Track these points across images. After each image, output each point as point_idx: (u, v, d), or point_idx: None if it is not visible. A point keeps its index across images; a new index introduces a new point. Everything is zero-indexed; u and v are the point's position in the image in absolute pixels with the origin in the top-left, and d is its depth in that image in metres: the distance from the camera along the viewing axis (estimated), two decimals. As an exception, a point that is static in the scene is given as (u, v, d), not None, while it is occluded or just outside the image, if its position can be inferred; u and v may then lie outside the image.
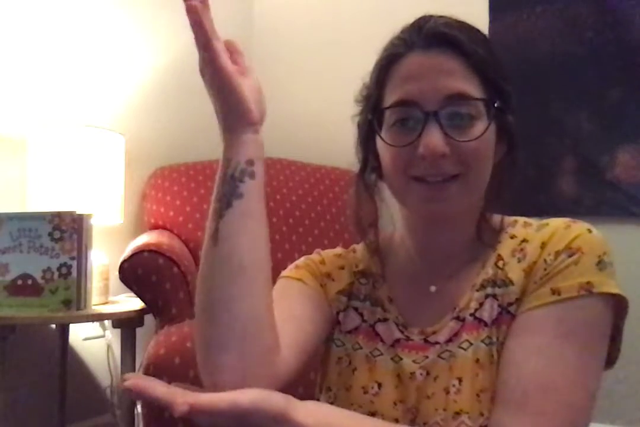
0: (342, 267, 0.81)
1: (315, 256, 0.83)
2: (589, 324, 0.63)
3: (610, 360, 0.67)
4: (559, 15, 1.88)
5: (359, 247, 0.84)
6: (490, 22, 1.96)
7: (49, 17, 1.82)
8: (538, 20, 1.91)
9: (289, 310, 0.73)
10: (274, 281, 0.71)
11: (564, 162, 1.84)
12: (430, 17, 0.71)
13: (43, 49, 1.80)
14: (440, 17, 0.71)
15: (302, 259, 0.83)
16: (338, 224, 2.02)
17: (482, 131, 0.67)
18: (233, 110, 0.64)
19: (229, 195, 0.63)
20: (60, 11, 1.84)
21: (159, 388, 0.57)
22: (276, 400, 0.59)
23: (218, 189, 0.64)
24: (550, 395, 0.60)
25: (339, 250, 0.85)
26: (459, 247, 0.74)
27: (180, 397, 0.55)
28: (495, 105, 0.68)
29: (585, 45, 1.83)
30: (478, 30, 0.72)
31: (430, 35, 0.68)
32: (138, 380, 0.58)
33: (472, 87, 0.67)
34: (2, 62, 1.72)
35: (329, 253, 0.84)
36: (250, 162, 0.64)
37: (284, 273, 0.81)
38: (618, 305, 0.65)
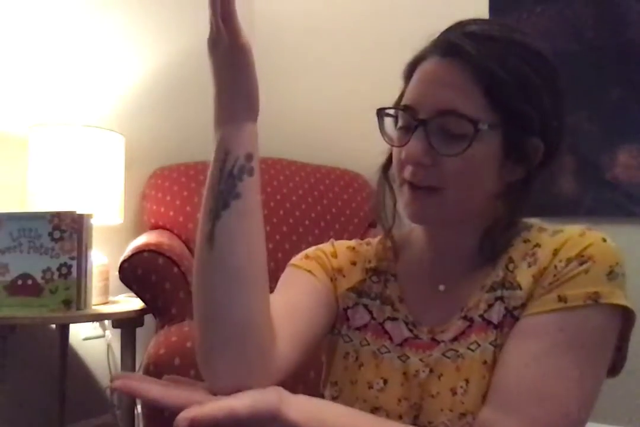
0: (354, 263, 0.81)
1: (327, 248, 0.82)
2: (592, 334, 0.63)
3: (615, 369, 0.67)
4: (559, 15, 1.88)
5: (374, 241, 0.83)
6: (490, 22, 1.96)
7: (49, 17, 1.82)
8: (538, 20, 1.91)
9: (292, 302, 0.73)
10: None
11: (564, 162, 1.84)
12: (465, 23, 0.70)
13: (43, 49, 1.80)
14: (475, 23, 0.70)
15: (313, 248, 0.82)
16: (338, 224, 2.02)
17: (473, 151, 0.65)
18: (241, 94, 0.61)
19: (227, 194, 0.60)
20: (60, 11, 1.84)
21: (154, 388, 0.58)
22: (269, 399, 0.59)
23: (213, 186, 0.60)
24: (545, 403, 0.60)
25: (352, 242, 0.84)
26: (468, 250, 0.73)
27: (173, 400, 0.57)
28: (481, 127, 0.65)
29: (585, 45, 1.83)
30: (513, 44, 0.68)
31: (445, 44, 0.68)
32: (129, 380, 0.59)
33: (470, 105, 0.65)
34: (3, 62, 1.72)
35: (342, 245, 0.83)
36: (250, 157, 0.61)
37: (293, 261, 0.80)
38: (625, 316, 0.64)
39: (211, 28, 0.59)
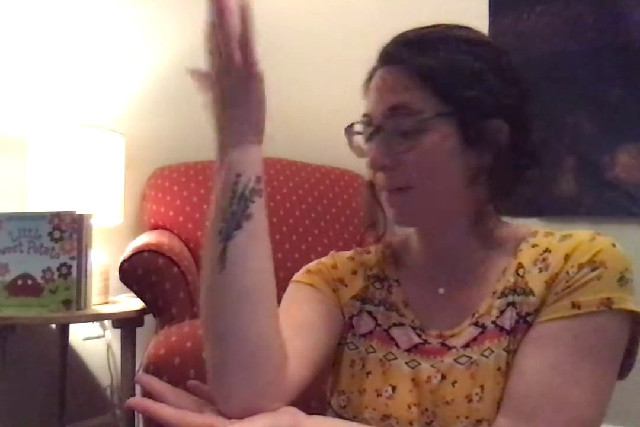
0: (355, 272, 0.81)
1: (328, 260, 0.82)
2: (606, 340, 0.63)
3: (623, 372, 0.67)
4: (559, 15, 1.88)
5: (374, 249, 0.84)
6: (490, 22, 1.96)
7: (50, 17, 1.82)
8: (538, 20, 1.91)
9: (299, 318, 0.73)
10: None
11: (564, 162, 1.84)
12: (399, 34, 0.73)
13: (44, 49, 1.80)
14: (408, 32, 0.73)
15: (314, 263, 0.82)
16: (338, 224, 2.02)
17: (426, 142, 0.67)
18: (252, 121, 0.62)
19: (239, 216, 0.60)
20: (61, 11, 1.84)
21: (168, 411, 0.58)
22: (285, 423, 0.60)
23: (224, 207, 0.60)
24: (563, 411, 0.60)
25: (351, 252, 0.84)
26: (463, 251, 0.73)
27: (187, 424, 0.57)
28: (426, 116, 0.67)
29: (585, 45, 1.83)
30: (444, 40, 0.70)
31: (383, 55, 0.73)
32: (145, 400, 0.60)
33: (415, 100, 0.67)
34: (3, 63, 1.72)
35: (342, 256, 0.83)
36: (259, 179, 0.61)
37: (295, 277, 0.80)
38: (635, 321, 0.64)
39: (222, 55, 0.58)
